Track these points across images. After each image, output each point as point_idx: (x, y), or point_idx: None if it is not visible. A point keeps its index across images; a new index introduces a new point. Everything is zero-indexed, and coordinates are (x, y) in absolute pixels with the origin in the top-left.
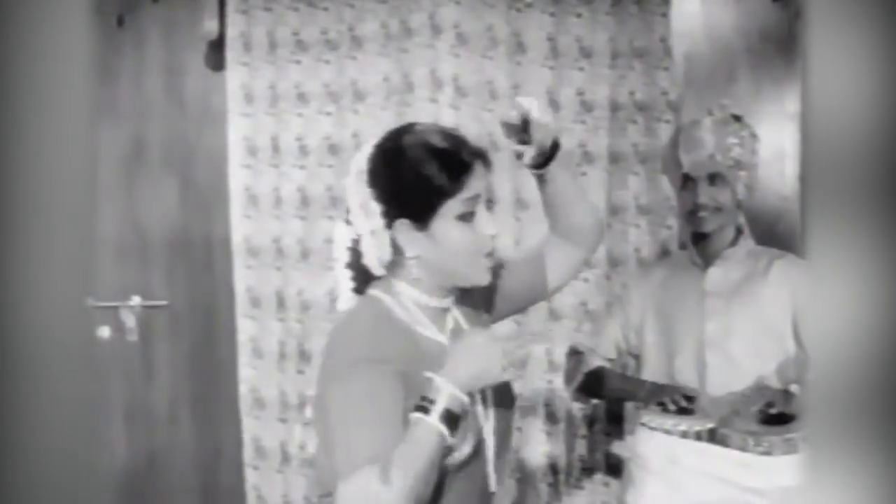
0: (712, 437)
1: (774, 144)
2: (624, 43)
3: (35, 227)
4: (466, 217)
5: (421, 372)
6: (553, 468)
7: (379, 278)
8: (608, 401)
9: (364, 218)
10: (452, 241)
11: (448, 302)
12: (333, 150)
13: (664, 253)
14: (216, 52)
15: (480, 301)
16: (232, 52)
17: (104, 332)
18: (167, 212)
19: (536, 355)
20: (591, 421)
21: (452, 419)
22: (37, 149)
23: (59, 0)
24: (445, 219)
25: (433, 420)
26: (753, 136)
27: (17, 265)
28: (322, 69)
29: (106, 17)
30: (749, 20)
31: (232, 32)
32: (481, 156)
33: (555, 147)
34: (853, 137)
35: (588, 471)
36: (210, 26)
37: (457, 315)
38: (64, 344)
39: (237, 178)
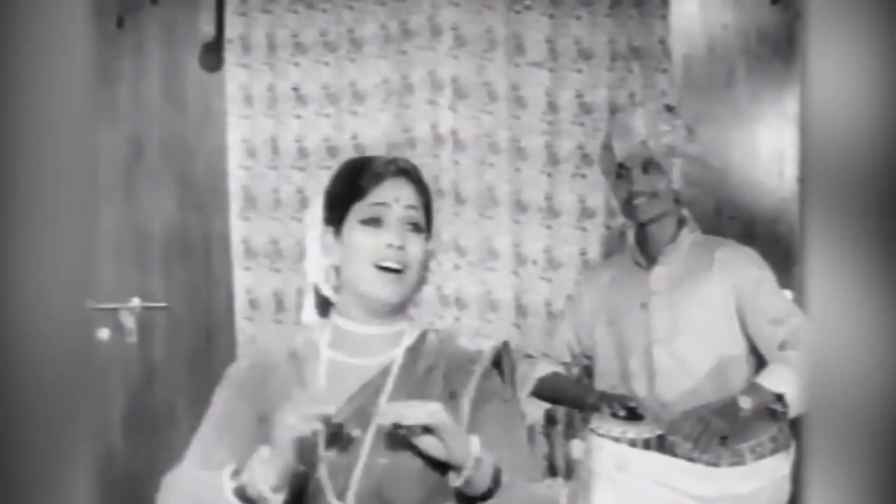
0: (661, 444)
1: (773, 146)
2: (623, 45)
3: (35, 228)
4: (371, 222)
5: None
6: (551, 469)
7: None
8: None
9: (310, 236)
10: (355, 244)
11: (374, 329)
12: (332, 151)
13: (607, 255)
14: (211, 54)
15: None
16: (231, 54)
17: (104, 333)
18: (166, 213)
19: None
20: (551, 420)
21: (246, 499)
22: (37, 150)
23: (59, 1)
24: (352, 223)
25: (228, 488)
26: (687, 128)
27: (17, 267)
28: (321, 71)
29: (105, 18)
30: (748, 22)
31: (230, 34)
32: (405, 171)
33: (496, 481)
34: (852, 139)
35: (550, 469)
36: (207, 28)
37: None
38: (63, 345)
39: (236, 180)
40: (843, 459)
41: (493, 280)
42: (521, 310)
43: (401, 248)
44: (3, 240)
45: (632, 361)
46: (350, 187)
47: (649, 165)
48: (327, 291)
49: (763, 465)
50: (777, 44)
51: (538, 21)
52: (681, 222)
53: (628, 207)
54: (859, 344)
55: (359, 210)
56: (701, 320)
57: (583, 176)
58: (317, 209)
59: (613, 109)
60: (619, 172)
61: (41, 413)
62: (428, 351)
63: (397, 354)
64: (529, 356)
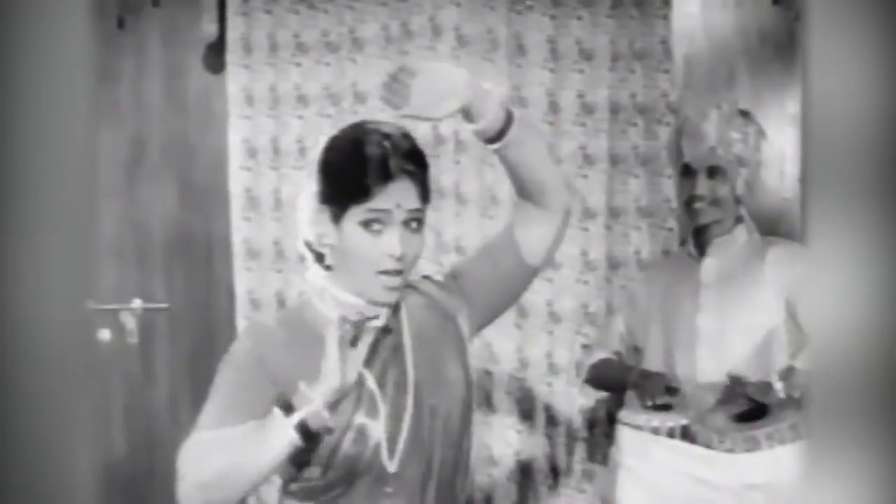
0: (685, 433)
1: (775, 146)
2: (624, 45)
3: (35, 229)
4: (370, 226)
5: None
6: (553, 471)
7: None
8: (609, 395)
9: (306, 195)
10: (353, 245)
11: (369, 310)
12: None
13: (666, 253)
14: (215, 55)
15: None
16: (232, 55)
17: (104, 334)
18: (167, 214)
19: (536, 358)
20: (591, 423)
21: (308, 434)
22: (37, 151)
23: (60, 2)
24: (351, 220)
25: (286, 422)
26: (760, 132)
27: (17, 268)
28: (322, 71)
29: (106, 19)
30: (749, 22)
31: (232, 35)
32: (411, 174)
33: (508, 119)
34: (853, 139)
35: (589, 473)
36: (209, 28)
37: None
38: (64, 346)
39: (237, 180)
40: (846, 456)
41: None
42: (521, 310)
43: (401, 257)
44: (4, 240)
45: (677, 353)
46: (353, 183)
47: (715, 171)
48: (321, 249)
49: (782, 455)
50: (778, 44)
51: (539, 21)
52: (738, 220)
53: (688, 209)
54: (861, 344)
55: (359, 211)
56: (748, 317)
57: (584, 176)
58: (312, 180)
59: (615, 110)
60: (685, 174)
61: (41, 414)
62: (419, 304)
63: (402, 316)
64: (586, 346)
